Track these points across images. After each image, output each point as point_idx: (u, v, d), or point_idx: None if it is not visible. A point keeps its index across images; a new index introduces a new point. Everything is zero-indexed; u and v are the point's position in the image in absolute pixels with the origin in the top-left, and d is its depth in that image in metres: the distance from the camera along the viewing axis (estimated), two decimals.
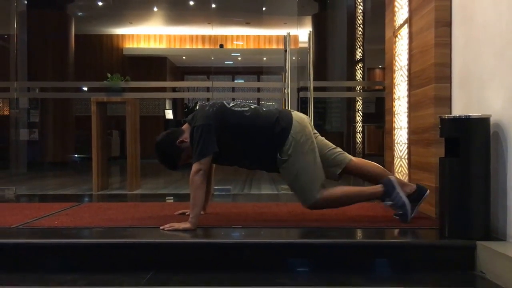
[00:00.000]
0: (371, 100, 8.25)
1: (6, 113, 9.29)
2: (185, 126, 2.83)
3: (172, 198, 4.05)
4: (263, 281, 2.16)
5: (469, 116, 2.34)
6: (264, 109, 2.88)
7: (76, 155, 9.31)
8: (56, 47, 8.78)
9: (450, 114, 2.85)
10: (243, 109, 2.78)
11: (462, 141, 2.32)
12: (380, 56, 4.86)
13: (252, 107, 2.83)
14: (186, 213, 2.94)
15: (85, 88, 8.39)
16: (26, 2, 8.28)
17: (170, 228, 2.59)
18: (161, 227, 2.61)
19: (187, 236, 2.52)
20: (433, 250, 2.38)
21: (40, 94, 7.34)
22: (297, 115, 2.84)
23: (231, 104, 2.81)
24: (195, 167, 2.63)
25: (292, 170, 2.72)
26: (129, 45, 12.18)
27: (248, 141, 2.75)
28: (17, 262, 2.35)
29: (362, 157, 8.51)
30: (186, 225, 2.58)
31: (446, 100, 2.90)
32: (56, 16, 8.92)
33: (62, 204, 3.56)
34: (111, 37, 12.10)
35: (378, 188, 2.78)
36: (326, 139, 2.97)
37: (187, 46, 12.41)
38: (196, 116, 2.76)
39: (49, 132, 8.49)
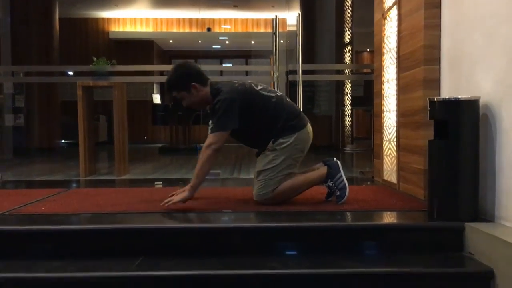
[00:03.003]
0: (360, 83, 8.25)
1: None
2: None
3: (161, 183, 4.03)
4: (253, 265, 2.15)
5: (458, 98, 2.34)
6: (288, 99, 2.92)
7: (63, 141, 9.21)
8: (40, 31, 8.61)
9: (439, 96, 2.85)
10: (269, 94, 2.83)
11: (451, 123, 2.32)
12: (368, 39, 4.84)
13: (278, 94, 2.88)
14: None
15: (70, 73, 8.27)
16: None
17: (171, 202, 2.60)
18: (162, 203, 2.62)
19: (177, 221, 2.51)
20: (421, 232, 2.40)
21: (25, 78, 7.20)
22: (310, 128, 2.89)
23: (259, 87, 2.84)
24: (209, 139, 2.64)
25: (272, 161, 2.76)
26: (115, 28, 11.98)
27: (263, 125, 2.78)
28: (4, 249, 2.31)
29: (351, 141, 8.59)
30: (184, 194, 2.61)
31: (435, 82, 2.89)
32: None
33: (49, 190, 3.52)
34: (96, 20, 11.88)
35: (323, 171, 2.84)
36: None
37: (174, 30, 12.25)
38: (222, 88, 2.75)
39: (34, 117, 8.36)
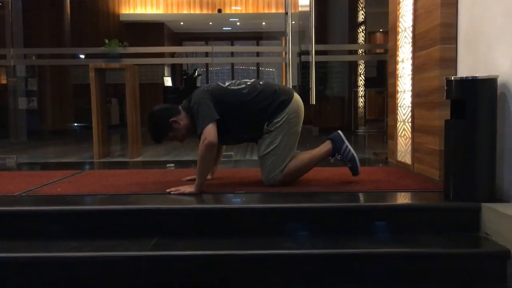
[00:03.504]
0: (373, 64, 8.15)
1: (4, 82, 9.19)
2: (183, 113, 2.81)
3: (173, 165, 4.04)
4: (268, 246, 2.16)
5: (475, 77, 2.30)
6: (261, 82, 2.86)
7: (76, 124, 9.27)
8: (52, 13, 8.61)
9: (456, 75, 2.80)
10: (239, 87, 2.79)
11: (468, 102, 2.28)
12: (382, 19, 4.77)
13: (249, 83, 2.83)
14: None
15: (82, 56, 8.27)
16: None
17: (176, 192, 2.62)
18: (168, 190, 2.64)
19: (191, 202, 2.52)
20: (437, 213, 2.38)
21: (37, 61, 7.24)
22: (297, 96, 2.86)
23: (227, 83, 2.82)
24: (201, 137, 2.62)
25: (272, 143, 2.74)
26: (125, 10, 11.94)
27: (245, 117, 2.75)
28: (21, 230, 2.35)
29: (364, 122, 8.52)
30: (191, 189, 2.62)
31: (451, 62, 2.84)
32: None
33: (64, 172, 3.55)
34: (106, 2, 11.84)
35: (328, 146, 2.82)
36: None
37: (185, 11, 12.17)
38: (191, 98, 2.76)
39: (48, 100, 8.42)
